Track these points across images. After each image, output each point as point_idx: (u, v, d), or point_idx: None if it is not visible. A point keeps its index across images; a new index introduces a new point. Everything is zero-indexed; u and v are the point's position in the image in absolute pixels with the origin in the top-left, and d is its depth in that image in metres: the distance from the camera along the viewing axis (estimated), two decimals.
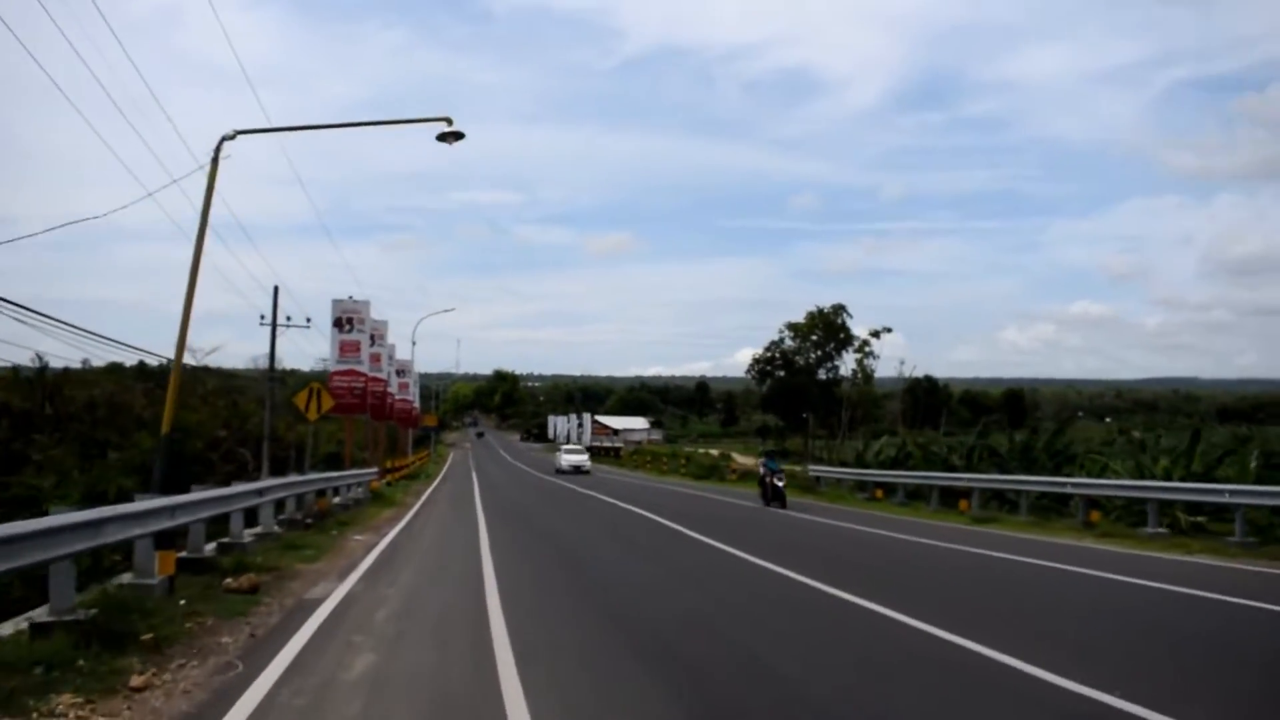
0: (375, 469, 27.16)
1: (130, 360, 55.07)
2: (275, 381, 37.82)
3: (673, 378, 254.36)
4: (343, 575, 11.29)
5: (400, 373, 48.07)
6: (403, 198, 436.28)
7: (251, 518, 17.05)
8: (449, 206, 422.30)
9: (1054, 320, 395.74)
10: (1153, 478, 21.84)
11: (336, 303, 28.12)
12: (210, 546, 12.91)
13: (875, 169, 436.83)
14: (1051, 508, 23.73)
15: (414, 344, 52.97)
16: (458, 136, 12.94)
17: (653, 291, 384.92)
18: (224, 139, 11.14)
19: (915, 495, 26.31)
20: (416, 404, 59.58)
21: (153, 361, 55.30)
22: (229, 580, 10.13)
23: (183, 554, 11.15)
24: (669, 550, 14.50)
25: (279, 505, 15.61)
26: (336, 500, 22.45)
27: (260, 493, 13.79)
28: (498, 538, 15.76)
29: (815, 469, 34.27)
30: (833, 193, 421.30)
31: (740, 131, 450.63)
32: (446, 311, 59.99)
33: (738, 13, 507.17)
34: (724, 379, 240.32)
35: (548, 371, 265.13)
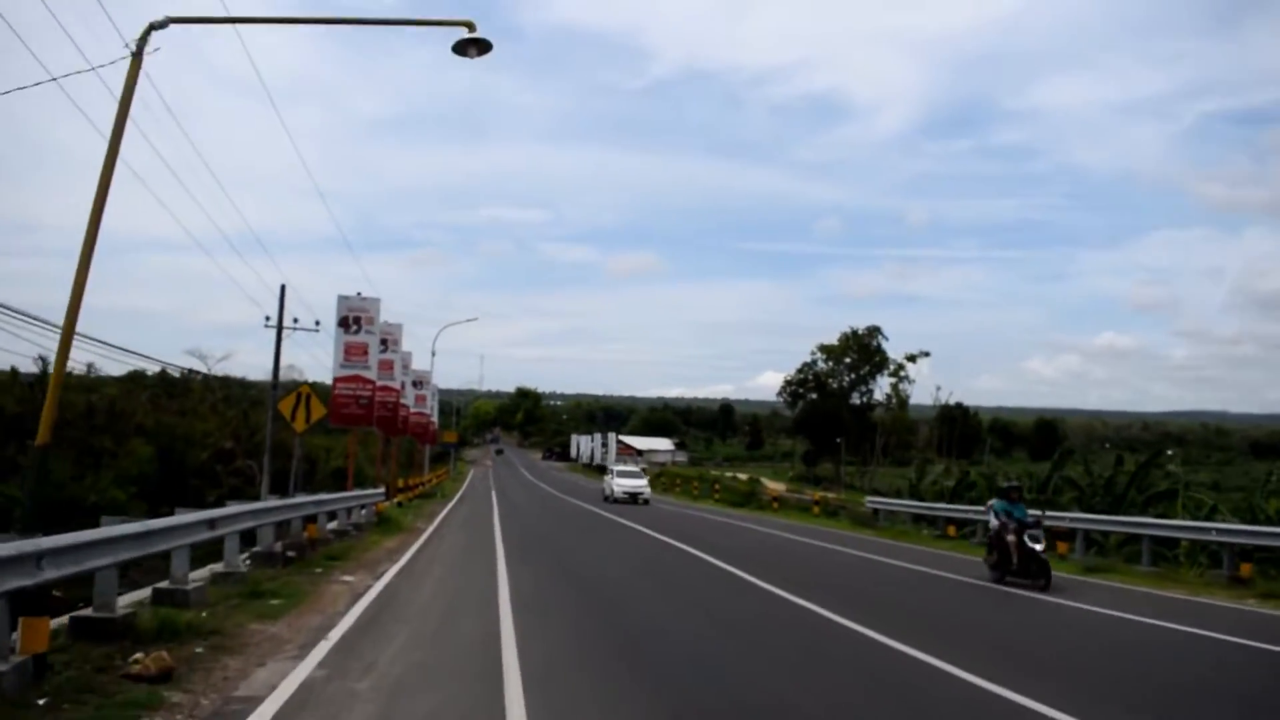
0: (381, 489, 24.05)
1: (152, 368, 52.84)
2: (279, 390, 35.08)
3: (695, 399, 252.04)
4: (306, 646, 8.15)
5: (418, 384, 45.08)
6: (429, 214, 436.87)
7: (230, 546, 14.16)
8: (474, 222, 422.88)
9: (1079, 351, 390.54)
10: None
11: (343, 299, 24.49)
12: (140, 596, 9.84)
13: (900, 195, 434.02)
14: (1158, 552, 20.51)
15: (434, 354, 50.18)
16: (482, 48, 9.89)
17: (675, 312, 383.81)
18: (152, 27, 8.19)
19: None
20: (434, 418, 56.61)
21: (161, 370, 52.73)
22: (136, 659, 7.03)
23: (85, 612, 8.09)
24: (804, 647, 8.93)
25: (246, 537, 12.50)
26: (332, 526, 19.39)
27: (211, 524, 10.67)
28: (520, 583, 12.58)
29: (874, 501, 30.87)
30: (857, 218, 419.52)
31: (766, 155, 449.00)
32: (469, 321, 58.87)
33: (766, 37, 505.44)
34: (746, 402, 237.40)
35: (570, 390, 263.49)
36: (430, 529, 23.08)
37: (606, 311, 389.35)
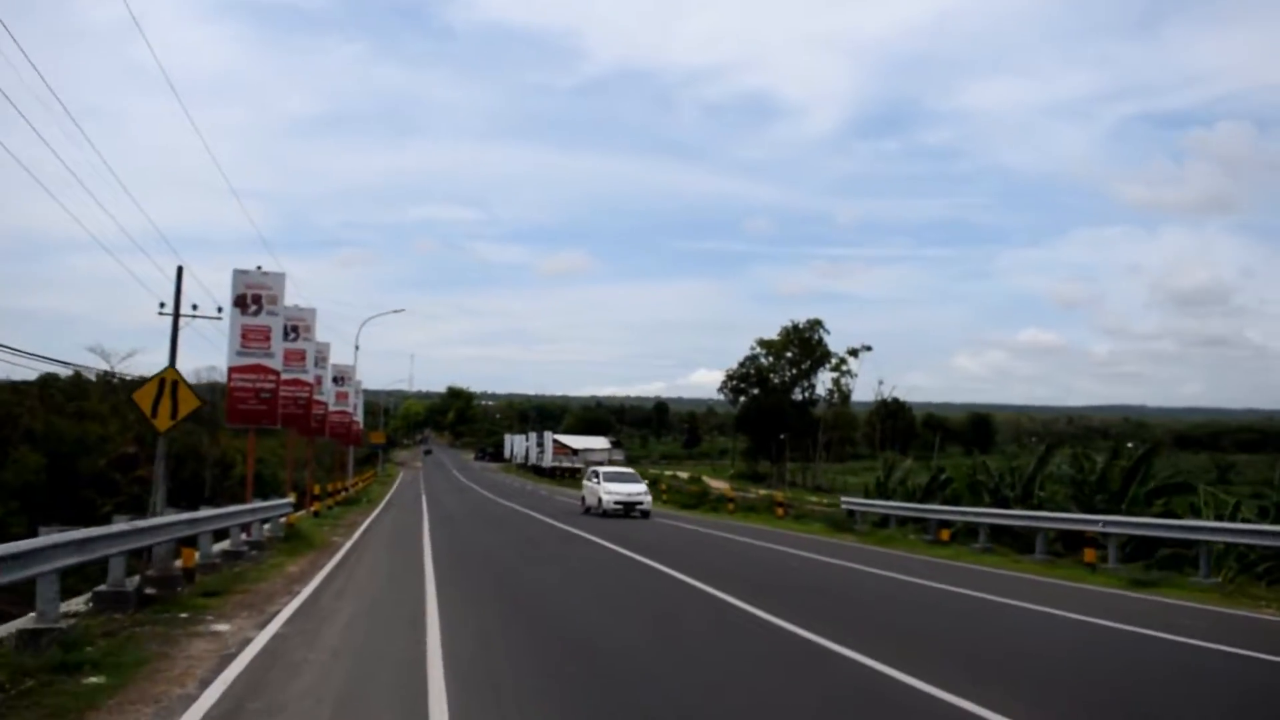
0: (290, 498, 20.38)
1: (65, 372, 47.78)
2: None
3: (628, 398, 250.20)
4: None
5: (339, 380, 41.24)
6: (358, 213, 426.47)
7: (97, 574, 10.76)
8: (406, 221, 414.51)
9: (1004, 347, 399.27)
10: None
11: (239, 274, 19.92)
12: None
13: (831, 194, 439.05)
14: (1179, 555, 18.20)
15: (357, 349, 45.90)
16: None
17: (608, 311, 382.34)
18: None
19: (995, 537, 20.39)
20: (359, 418, 52.53)
21: (75, 374, 47.58)
22: None
23: None
24: None
25: (63, 574, 8.95)
26: (223, 548, 15.82)
27: (12, 559, 7.17)
28: (458, 635, 9.23)
29: (852, 502, 27.98)
30: (789, 217, 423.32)
31: (698, 154, 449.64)
32: (395, 313, 51.95)
33: (699, 37, 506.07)
34: (679, 400, 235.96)
35: (502, 390, 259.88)
36: (347, 544, 19.55)
37: (539, 311, 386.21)
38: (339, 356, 42.83)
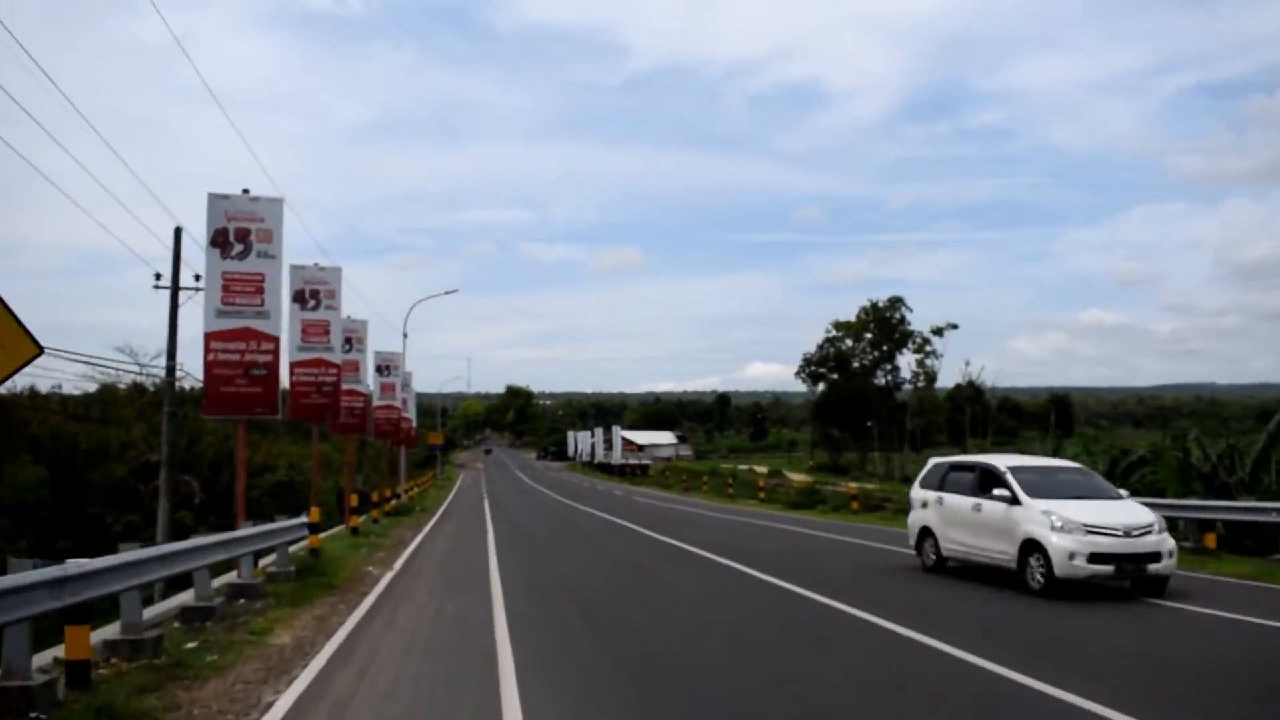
0: (300, 520, 14.73)
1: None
2: (175, 378, 25.73)
3: (684, 393, 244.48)
4: None
5: (383, 369, 35.62)
6: (413, 219, 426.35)
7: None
8: (458, 226, 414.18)
9: (1065, 329, 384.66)
10: None
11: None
12: None
13: (881, 181, 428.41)
14: None
15: (405, 335, 40.58)
16: None
17: (661, 307, 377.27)
18: None
19: None
20: (410, 414, 47.14)
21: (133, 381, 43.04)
22: None
23: None
24: None
25: None
26: (181, 604, 10.19)
27: None
28: None
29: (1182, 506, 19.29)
30: (839, 205, 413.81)
31: (745, 146, 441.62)
32: (449, 293, 45.72)
33: (740, 28, 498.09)
34: (735, 394, 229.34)
35: (559, 390, 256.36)
36: (383, 582, 13.79)
37: (592, 309, 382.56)
38: (383, 343, 37.56)
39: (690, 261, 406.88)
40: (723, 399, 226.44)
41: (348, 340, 24.26)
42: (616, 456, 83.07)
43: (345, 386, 23.58)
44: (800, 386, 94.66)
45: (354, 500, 24.83)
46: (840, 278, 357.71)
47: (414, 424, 46.86)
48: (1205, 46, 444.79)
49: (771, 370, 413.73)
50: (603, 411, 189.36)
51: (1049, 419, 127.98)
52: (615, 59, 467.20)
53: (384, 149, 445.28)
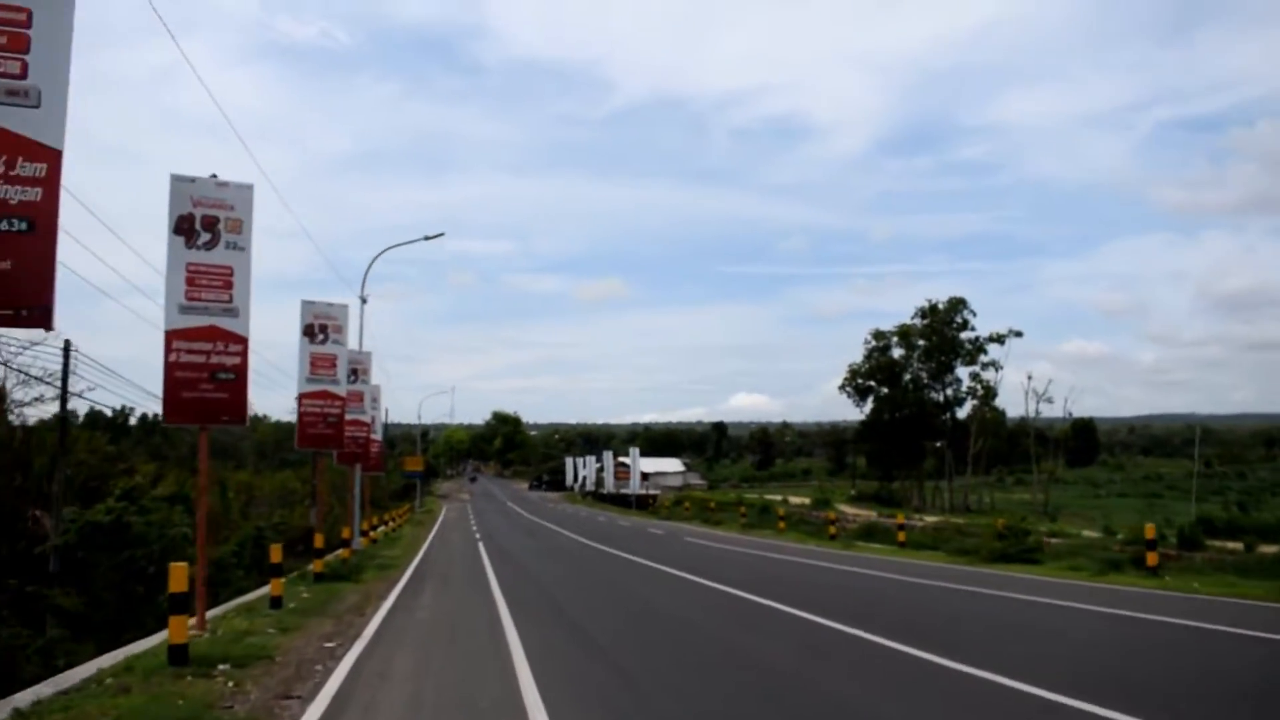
0: None
1: None
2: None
3: (670, 424, 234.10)
4: None
5: (350, 374, 23.92)
6: (397, 250, 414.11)
7: None
8: (442, 256, 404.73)
9: (1048, 359, 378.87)
10: None
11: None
12: None
13: (866, 213, 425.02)
14: None
15: (363, 300, 28.29)
16: None
17: (646, 338, 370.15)
18: None
19: None
20: (377, 434, 34.50)
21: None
22: None
23: None
24: None
25: None
26: None
27: None
28: None
29: None
30: (824, 237, 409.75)
31: (730, 179, 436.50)
32: (433, 238, 30.68)
33: (726, 62, 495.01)
34: (721, 425, 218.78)
35: (544, 420, 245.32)
36: None
37: (577, 341, 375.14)
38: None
39: (675, 293, 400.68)
40: (719, 427, 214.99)
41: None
42: (633, 485, 70.46)
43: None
44: (789, 416, 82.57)
45: (276, 554, 12.91)
46: (825, 309, 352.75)
47: (380, 440, 34.21)
48: (1186, 82, 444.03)
49: (756, 401, 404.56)
50: (590, 442, 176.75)
51: (1066, 445, 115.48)
52: (601, 92, 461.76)
53: (367, 180, 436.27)
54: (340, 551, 23.04)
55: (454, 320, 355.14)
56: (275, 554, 14.58)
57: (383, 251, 28.79)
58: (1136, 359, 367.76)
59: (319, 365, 20.42)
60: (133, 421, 64.86)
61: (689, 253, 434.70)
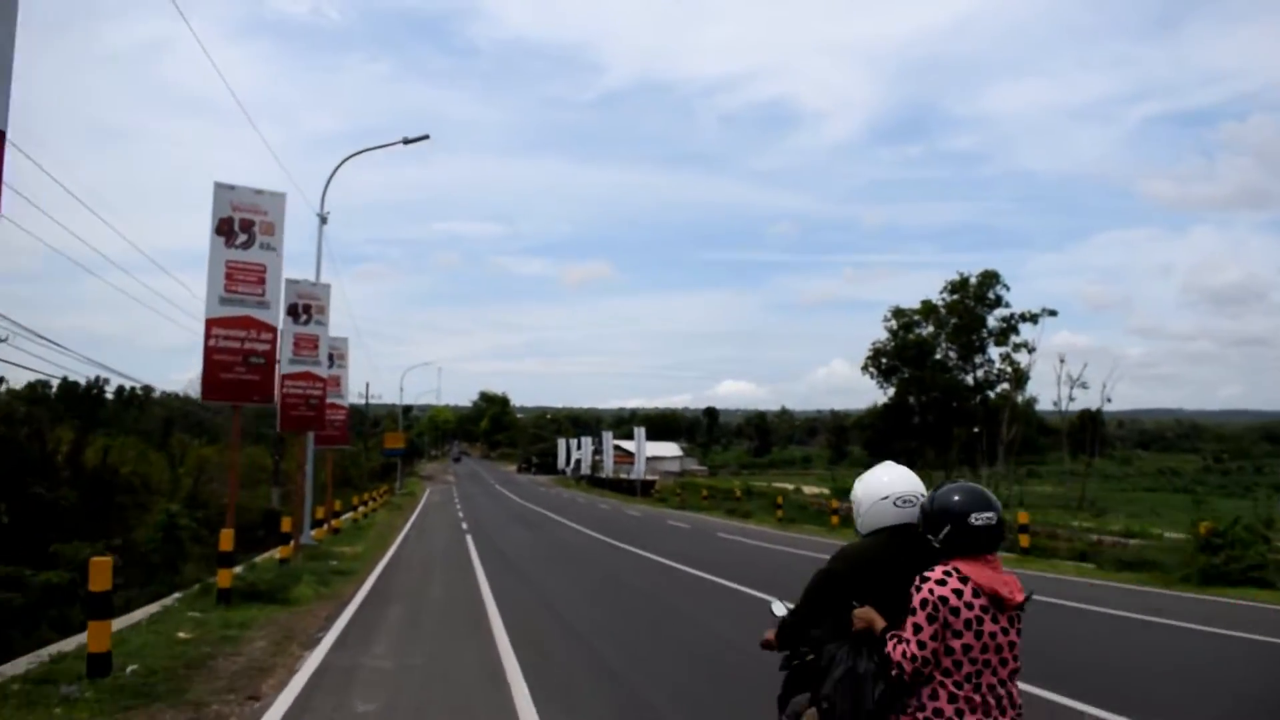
0: None
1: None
2: None
3: (656, 410, 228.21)
4: None
5: (300, 311, 19.77)
6: (384, 229, 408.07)
7: None
8: (429, 237, 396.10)
9: (1036, 351, 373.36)
10: None
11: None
12: None
13: (854, 201, 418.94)
14: None
15: (322, 219, 22.12)
16: None
17: (632, 323, 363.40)
18: None
19: None
20: (342, 399, 28.01)
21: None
22: None
23: None
24: None
25: None
26: None
27: None
28: None
29: None
30: (811, 224, 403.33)
31: (719, 164, 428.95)
32: (413, 141, 24.20)
33: (716, 47, 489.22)
34: (708, 411, 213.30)
35: (530, 404, 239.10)
36: None
37: (564, 324, 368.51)
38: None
39: (662, 278, 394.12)
40: (710, 413, 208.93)
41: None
42: (638, 470, 64.41)
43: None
44: (776, 403, 76.28)
45: (226, 541, 11.07)
46: (813, 297, 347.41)
47: (345, 408, 27.89)
48: (1173, 76, 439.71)
49: (743, 388, 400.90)
50: (578, 425, 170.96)
51: (1075, 438, 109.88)
52: (591, 75, 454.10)
53: (354, 160, 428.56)
54: (277, 550, 16.88)
55: (439, 301, 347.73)
56: (225, 540, 11.58)
57: (349, 157, 22.64)
58: (1123, 353, 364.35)
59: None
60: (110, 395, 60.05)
61: (676, 237, 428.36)
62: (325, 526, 23.35)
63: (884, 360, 67.87)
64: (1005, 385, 67.49)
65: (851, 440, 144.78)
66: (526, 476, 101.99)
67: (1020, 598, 2.76)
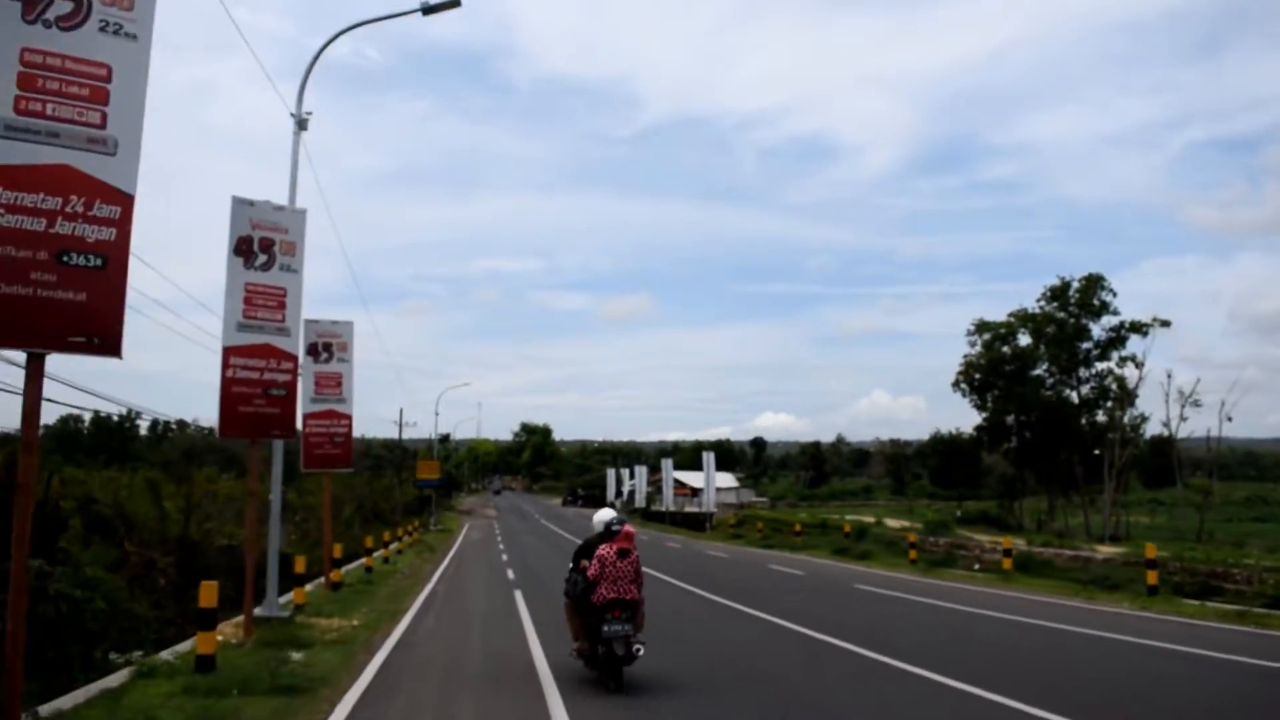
0: None
1: None
2: None
3: (696, 442, 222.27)
4: None
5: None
6: (424, 266, 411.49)
7: None
8: (469, 273, 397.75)
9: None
10: None
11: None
12: None
13: (893, 233, 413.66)
14: None
15: (299, 123, 15.97)
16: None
17: (671, 356, 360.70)
18: None
19: None
20: (345, 403, 21.88)
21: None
22: None
23: None
24: None
25: None
26: None
27: None
28: None
29: None
30: (850, 257, 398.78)
31: (756, 198, 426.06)
32: (424, 13, 17.50)
33: (753, 81, 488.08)
34: (753, 442, 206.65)
35: (569, 437, 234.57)
36: None
37: (603, 358, 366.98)
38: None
39: (701, 311, 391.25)
40: (757, 443, 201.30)
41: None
42: (708, 502, 57.51)
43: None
44: (815, 436, 68.92)
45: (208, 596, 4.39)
46: (852, 328, 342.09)
47: (349, 417, 21.95)
48: (1215, 100, 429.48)
49: (783, 420, 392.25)
50: (621, 457, 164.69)
51: (1143, 465, 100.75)
52: (628, 110, 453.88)
53: (396, 198, 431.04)
54: (221, 629, 10.28)
55: (479, 335, 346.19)
56: (207, 595, 8.99)
57: (344, 30, 16.44)
58: (1179, 380, 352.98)
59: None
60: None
61: (715, 271, 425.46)
62: (324, 580, 16.89)
63: (977, 376, 60.32)
64: (1110, 403, 59.85)
65: (912, 467, 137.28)
66: (573, 509, 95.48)
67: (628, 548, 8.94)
